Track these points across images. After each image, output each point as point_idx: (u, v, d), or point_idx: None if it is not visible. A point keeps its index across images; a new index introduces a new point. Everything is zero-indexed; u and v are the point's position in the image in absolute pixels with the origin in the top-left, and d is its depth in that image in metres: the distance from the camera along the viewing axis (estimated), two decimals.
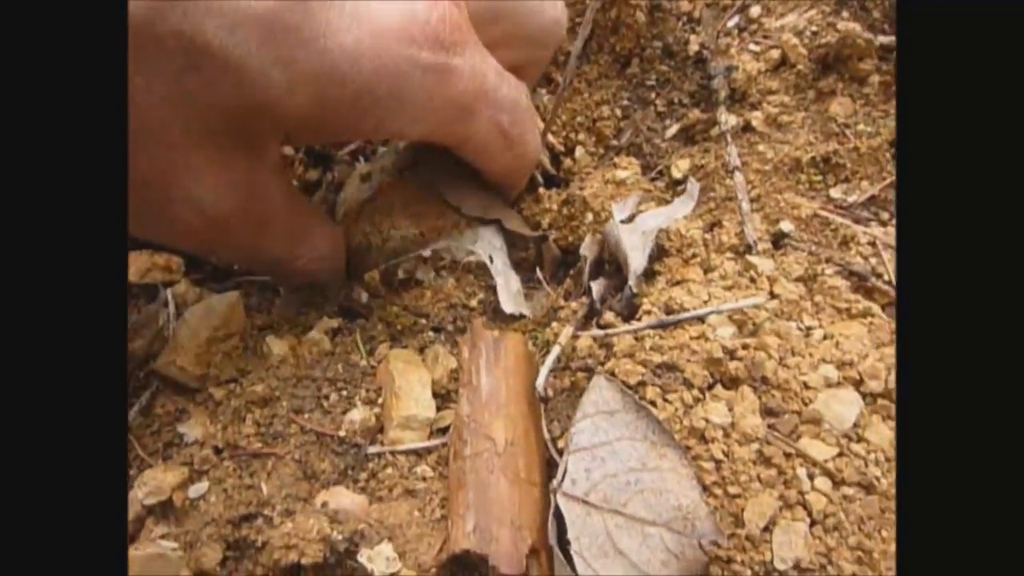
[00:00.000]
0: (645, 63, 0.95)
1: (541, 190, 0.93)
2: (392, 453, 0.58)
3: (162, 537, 0.56)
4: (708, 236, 0.79)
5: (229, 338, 0.65)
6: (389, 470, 0.57)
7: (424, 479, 0.57)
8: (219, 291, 0.71)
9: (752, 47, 0.96)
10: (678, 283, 0.72)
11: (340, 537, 0.49)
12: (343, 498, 0.55)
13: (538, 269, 0.83)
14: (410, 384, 0.60)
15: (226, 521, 0.54)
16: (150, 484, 0.55)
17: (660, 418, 0.53)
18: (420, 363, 0.63)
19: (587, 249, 0.74)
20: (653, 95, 0.96)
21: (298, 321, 0.71)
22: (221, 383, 0.63)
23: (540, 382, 0.58)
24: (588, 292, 0.71)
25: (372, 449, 0.58)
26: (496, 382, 0.58)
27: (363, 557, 0.48)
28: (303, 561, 0.48)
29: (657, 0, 0.93)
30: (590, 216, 0.87)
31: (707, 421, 0.55)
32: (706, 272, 0.74)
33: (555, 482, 0.50)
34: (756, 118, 0.90)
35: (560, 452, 0.58)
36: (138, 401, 0.62)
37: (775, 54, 0.93)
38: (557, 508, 0.48)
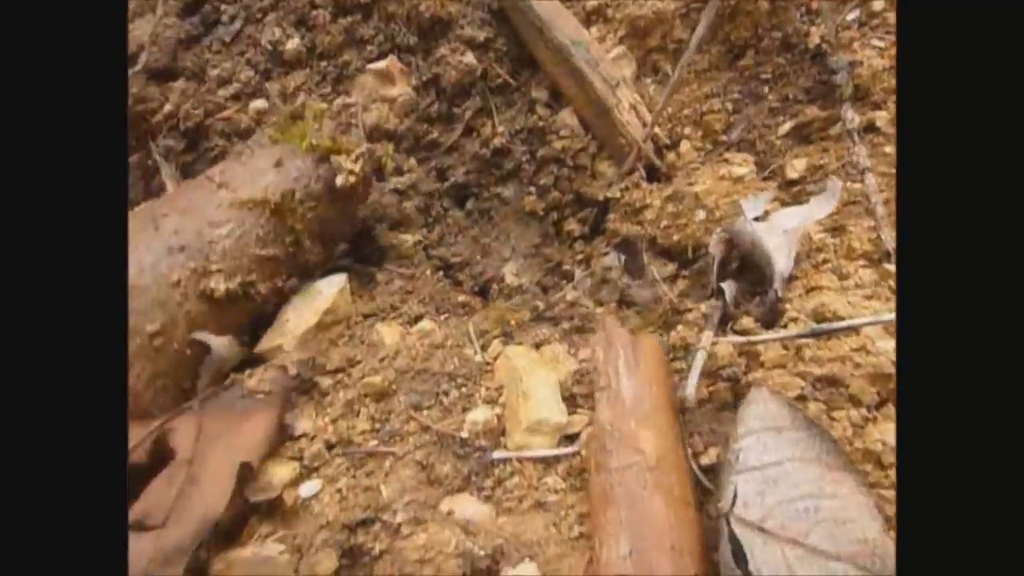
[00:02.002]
0: (760, 55, 0.89)
1: (643, 184, 0.88)
2: (519, 460, 0.52)
3: (268, 537, 0.51)
4: (836, 241, 0.73)
5: (335, 325, 0.60)
6: (516, 479, 0.52)
7: (555, 491, 0.51)
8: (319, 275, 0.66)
9: (875, 42, 0.89)
10: (813, 289, 0.66)
11: (482, 553, 0.43)
12: (469, 507, 0.50)
13: (648, 265, 0.77)
14: (537, 385, 0.54)
15: (341, 525, 0.48)
16: (259, 479, 0.50)
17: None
18: (543, 362, 0.58)
19: (715, 248, 0.68)
20: (766, 89, 0.90)
21: (402, 309, 0.66)
22: (327, 372, 0.58)
23: (690, 392, 0.53)
24: (717, 294, 0.65)
25: (497, 455, 0.52)
26: (638, 388, 0.52)
27: None
28: None
29: None
30: (702, 213, 0.81)
31: (883, 444, 0.48)
32: (840, 279, 0.67)
33: (724, 504, 0.44)
34: (881, 118, 0.84)
35: (703, 469, 0.52)
36: None
37: None
38: (733, 535, 0.43)
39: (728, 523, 0.43)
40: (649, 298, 0.80)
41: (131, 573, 0.47)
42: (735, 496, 0.44)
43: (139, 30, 0.74)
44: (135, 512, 0.48)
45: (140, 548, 0.47)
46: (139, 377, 0.50)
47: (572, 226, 0.92)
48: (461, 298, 0.75)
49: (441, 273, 0.81)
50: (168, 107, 0.69)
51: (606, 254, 0.89)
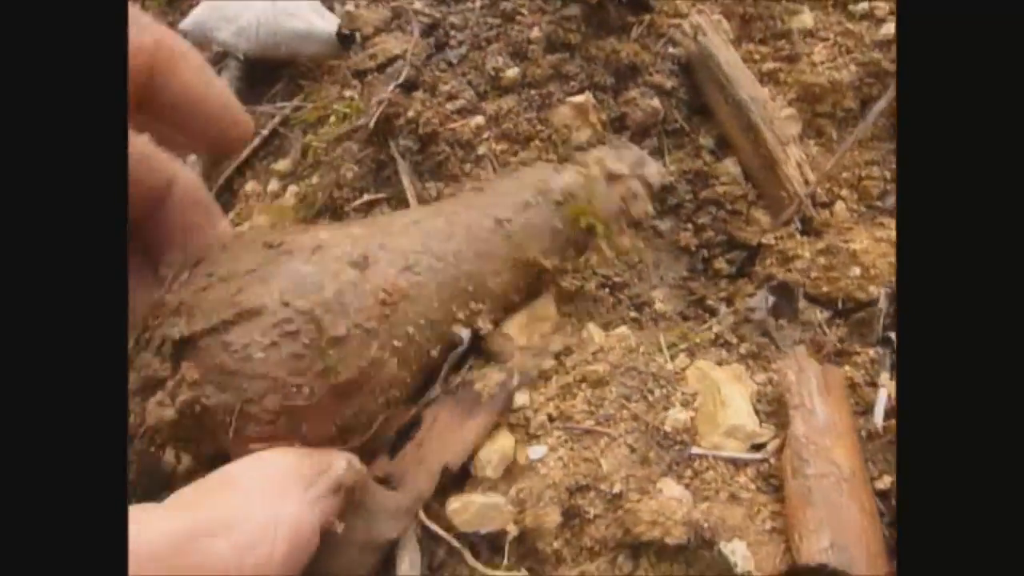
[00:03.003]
0: None
1: (797, 235, 0.95)
2: (714, 457, 0.60)
3: (492, 489, 0.59)
4: None
5: (546, 319, 0.69)
6: (711, 473, 0.59)
7: (747, 489, 0.58)
8: None
9: None
10: None
11: (705, 525, 0.51)
12: (674, 490, 0.57)
13: (806, 309, 0.84)
14: (733, 395, 0.62)
15: (564, 488, 0.56)
16: (496, 441, 0.59)
17: None
18: (736, 377, 0.65)
19: (883, 303, 0.75)
20: None
21: (594, 315, 0.74)
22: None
23: (878, 421, 0.59)
24: (884, 342, 0.72)
25: (695, 450, 0.60)
26: (831, 410, 0.59)
27: (727, 549, 0.50)
28: (666, 540, 0.50)
29: None
30: (856, 270, 0.87)
31: None
32: None
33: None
34: None
35: (878, 493, 0.59)
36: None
37: None
38: None
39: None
40: (796, 340, 0.87)
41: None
42: None
43: (386, 44, 0.86)
44: (383, 471, 0.58)
45: (381, 502, 0.56)
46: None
47: (720, 265, 0.99)
48: (632, 314, 0.83)
49: (607, 291, 0.89)
50: (410, 113, 0.80)
51: (752, 295, 0.96)
